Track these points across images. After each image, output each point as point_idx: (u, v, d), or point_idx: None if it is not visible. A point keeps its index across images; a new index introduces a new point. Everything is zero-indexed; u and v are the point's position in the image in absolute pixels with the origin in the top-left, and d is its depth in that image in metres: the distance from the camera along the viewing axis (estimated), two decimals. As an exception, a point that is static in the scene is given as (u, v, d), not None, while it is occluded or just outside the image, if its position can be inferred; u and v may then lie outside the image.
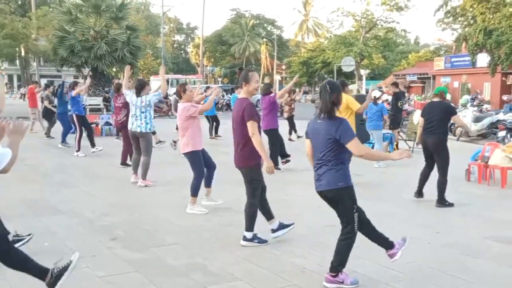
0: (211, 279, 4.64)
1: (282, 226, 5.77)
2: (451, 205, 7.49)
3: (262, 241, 5.61)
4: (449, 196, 7.51)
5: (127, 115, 10.29)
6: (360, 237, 5.79)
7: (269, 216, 5.77)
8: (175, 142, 12.35)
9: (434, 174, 7.69)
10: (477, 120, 17.26)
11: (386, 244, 4.66)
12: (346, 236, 4.44)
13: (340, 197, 4.42)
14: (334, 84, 4.53)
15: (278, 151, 10.56)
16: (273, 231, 5.76)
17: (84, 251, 5.28)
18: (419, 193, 7.98)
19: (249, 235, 5.59)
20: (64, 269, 3.89)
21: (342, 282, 4.43)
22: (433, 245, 5.70)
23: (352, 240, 4.45)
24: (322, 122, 4.41)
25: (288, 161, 10.84)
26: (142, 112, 8.61)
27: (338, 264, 4.43)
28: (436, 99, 7.98)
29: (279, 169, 10.22)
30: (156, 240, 5.78)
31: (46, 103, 16.21)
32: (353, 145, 4.26)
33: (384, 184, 9.35)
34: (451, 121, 8.41)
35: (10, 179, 8.80)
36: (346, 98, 8.93)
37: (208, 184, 7.27)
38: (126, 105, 10.52)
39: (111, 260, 5.09)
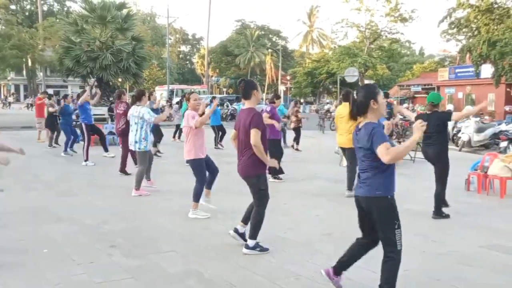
0: (206, 286, 4.68)
1: (244, 235, 5.80)
2: (447, 216, 7.45)
3: (264, 249, 5.60)
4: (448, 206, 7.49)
5: (126, 123, 10.36)
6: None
7: (246, 220, 5.80)
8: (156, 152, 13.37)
9: (431, 184, 7.69)
10: (479, 130, 17.22)
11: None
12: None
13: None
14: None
15: (280, 159, 10.47)
16: (236, 231, 5.85)
17: (83, 258, 5.35)
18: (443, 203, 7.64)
19: (251, 243, 5.56)
20: None
21: None
22: (428, 253, 5.72)
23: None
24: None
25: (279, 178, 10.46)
26: (136, 123, 8.60)
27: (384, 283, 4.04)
28: (435, 109, 7.68)
29: (281, 178, 10.33)
30: (154, 247, 5.82)
31: (50, 109, 16.51)
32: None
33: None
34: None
35: (13, 187, 8.96)
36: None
37: (208, 187, 7.41)
38: (126, 113, 10.64)
39: (108, 267, 5.13)
